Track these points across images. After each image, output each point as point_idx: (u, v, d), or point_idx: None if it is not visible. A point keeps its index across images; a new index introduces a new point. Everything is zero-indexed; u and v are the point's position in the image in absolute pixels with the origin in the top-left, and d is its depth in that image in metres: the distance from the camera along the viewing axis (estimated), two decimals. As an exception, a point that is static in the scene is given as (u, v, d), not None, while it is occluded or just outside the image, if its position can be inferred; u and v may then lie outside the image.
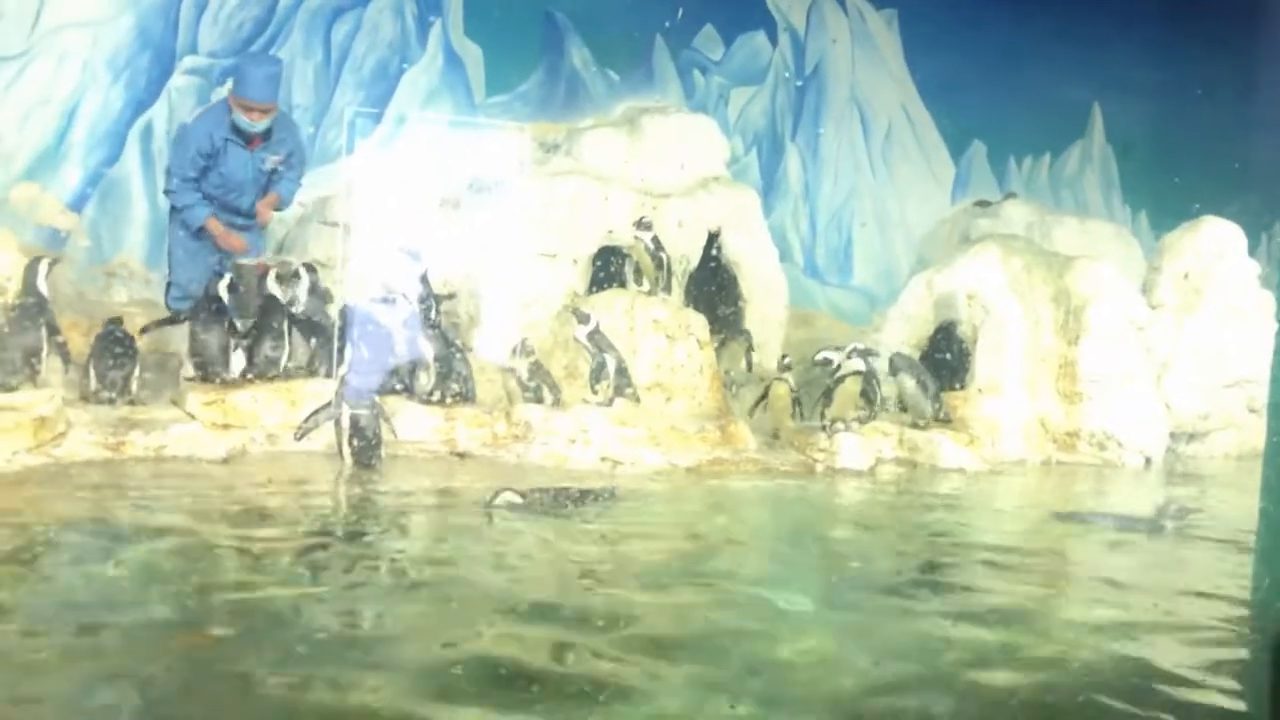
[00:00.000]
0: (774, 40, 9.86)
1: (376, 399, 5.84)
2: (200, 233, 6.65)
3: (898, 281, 9.32)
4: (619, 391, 6.30)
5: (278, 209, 6.89)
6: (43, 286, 5.82)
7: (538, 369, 6.55)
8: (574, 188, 8.05)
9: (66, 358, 5.82)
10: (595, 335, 6.49)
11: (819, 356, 7.04)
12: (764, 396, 7.35)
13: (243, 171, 6.67)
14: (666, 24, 9.14)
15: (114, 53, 7.59)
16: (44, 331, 5.69)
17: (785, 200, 9.86)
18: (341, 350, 6.24)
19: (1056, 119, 10.94)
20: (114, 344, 5.88)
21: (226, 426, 5.72)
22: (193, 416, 5.69)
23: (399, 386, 6.30)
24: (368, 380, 5.88)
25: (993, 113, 10.52)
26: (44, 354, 5.65)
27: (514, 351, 6.51)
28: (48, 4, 7.37)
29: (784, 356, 7.38)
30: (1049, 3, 10.20)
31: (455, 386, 6.31)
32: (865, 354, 6.70)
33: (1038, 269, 8.13)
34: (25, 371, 5.56)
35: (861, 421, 6.81)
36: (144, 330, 6.27)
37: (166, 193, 6.79)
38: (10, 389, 5.42)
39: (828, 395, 6.68)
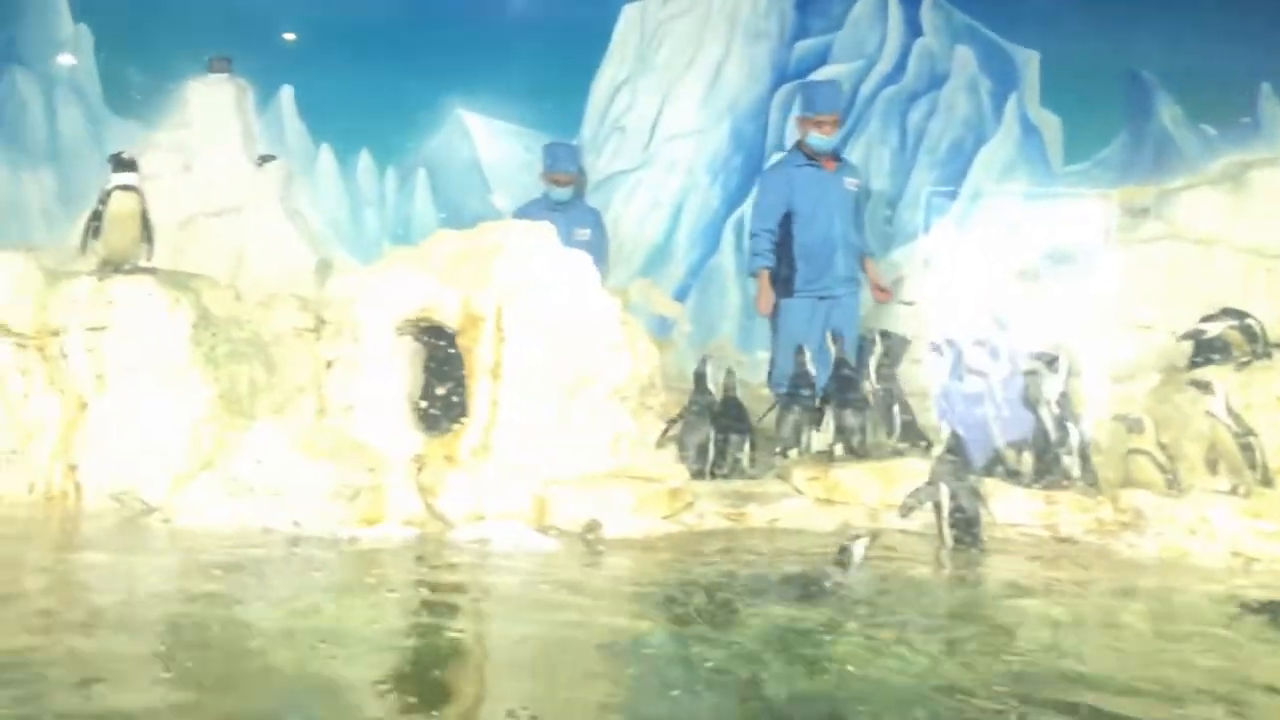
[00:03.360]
0: None
1: (973, 479, 5.78)
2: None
3: None
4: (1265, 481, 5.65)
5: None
6: (710, 384, 6.58)
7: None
8: (1168, 253, 7.60)
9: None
10: (1231, 410, 5.89)
11: None
12: None
13: (826, 198, 7.23)
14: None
15: (713, 157, 8.41)
16: (711, 427, 6.42)
17: None
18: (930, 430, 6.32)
19: None
20: (730, 423, 6.45)
21: (830, 501, 5.98)
22: (800, 491, 6.03)
23: (999, 468, 6.18)
24: (965, 460, 5.83)
25: None
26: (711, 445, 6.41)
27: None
28: (662, 120, 8.37)
29: None
30: None
31: (1064, 467, 6.04)
32: None
33: None
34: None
35: None
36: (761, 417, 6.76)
37: (751, 236, 7.47)
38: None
39: None
